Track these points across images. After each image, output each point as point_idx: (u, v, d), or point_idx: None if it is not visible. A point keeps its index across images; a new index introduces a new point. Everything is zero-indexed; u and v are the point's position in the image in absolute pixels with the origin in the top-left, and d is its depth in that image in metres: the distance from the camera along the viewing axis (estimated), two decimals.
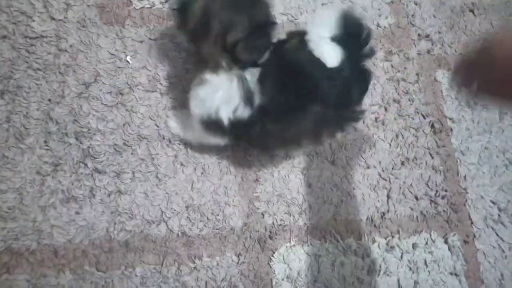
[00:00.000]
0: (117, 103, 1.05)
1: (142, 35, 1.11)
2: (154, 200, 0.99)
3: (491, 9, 1.44)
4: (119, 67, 1.07)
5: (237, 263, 0.99)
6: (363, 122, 1.17)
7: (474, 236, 1.14)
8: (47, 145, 0.98)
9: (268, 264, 1.00)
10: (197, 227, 0.99)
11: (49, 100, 1.02)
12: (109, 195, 0.97)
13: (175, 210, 0.99)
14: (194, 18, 0.80)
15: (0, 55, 1.02)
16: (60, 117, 1.01)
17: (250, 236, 1.01)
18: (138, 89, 1.07)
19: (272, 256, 1.01)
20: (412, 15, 1.35)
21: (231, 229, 1.01)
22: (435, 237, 1.11)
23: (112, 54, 1.08)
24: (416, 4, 1.37)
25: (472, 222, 1.16)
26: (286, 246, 1.02)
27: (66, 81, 1.03)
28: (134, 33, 1.11)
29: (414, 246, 1.08)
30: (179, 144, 1.04)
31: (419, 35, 1.33)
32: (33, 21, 1.06)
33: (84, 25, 1.09)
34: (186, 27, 0.84)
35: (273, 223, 1.03)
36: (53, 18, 1.07)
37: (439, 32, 1.35)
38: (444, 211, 1.14)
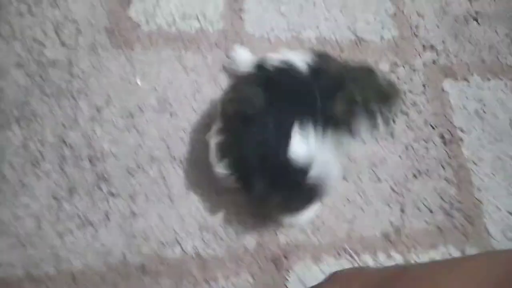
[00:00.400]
0: (129, 126, 1.06)
1: (150, 58, 1.13)
2: (167, 221, 1.00)
3: (495, 17, 1.44)
4: (129, 90, 1.09)
5: (253, 284, 0.99)
6: (371, 136, 1.18)
7: (493, 248, 1.13)
8: (62, 170, 1.00)
9: (284, 284, 1.00)
10: (211, 248, 0.99)
11: (63, 125, 1.03)
12: (124, 218, 0.98)
13: (188, 232, 1.00)
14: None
15: (15, 83, 1.04)
16: (74, 142, 1.02)
17: (265, 256, 1.01)
18: (148, 110, 1.08)
19: (288, 275, 1.00)
20: (416, 26, 1.36)
21: (245, 249, 1.01)
22: (453, 251, 1.10)
23: (123, 77, 1.10)
24: (419, 15, 1.38)
25: (490, 235, 1.14)
26: (301, 265, 1.02)
27: (78, 105, 1.05)
28: (143, 56, 1.13)
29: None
30: (191, 164, 1.05)
31: (423, 46, 1.33)
32: (46, 47, 1.08)
33: (95, 50, 1.11)
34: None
35: (287, 241, 1.03)
36: (64, 44, 1.09)
37: (444, 42, 1.35)
38: (460, 224, 1.13)
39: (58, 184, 0.98)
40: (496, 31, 1.42)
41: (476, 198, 1.18)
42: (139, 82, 1.11)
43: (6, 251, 0.92)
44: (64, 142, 1.02)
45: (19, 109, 1.02)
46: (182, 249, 0.98)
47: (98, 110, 1.06)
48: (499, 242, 1.14)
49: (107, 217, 0.97)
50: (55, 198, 0.97)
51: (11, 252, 0.92)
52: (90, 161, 1.01)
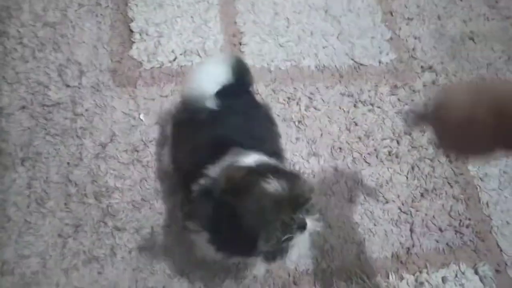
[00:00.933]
0: (133, 160, 1.07)
1: (153, 94, 1.16)
2: (174, 254, 0.99)
3: (490, 35, 1.47)
4: (133, 126, 1.11)
5: None
6: (377, 156, 1.17)
7: (506, 264, 1.10)
8: (67, 208, 1.00)
9: None
10: (219, 279, 0.98)
11: (68, 163, 1.05)
12: (130, 252, 0.98)
13: (195, 263, 0.99)
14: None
15: (19, 125, 1.06)
16: (79, 179, 1.03)
17: (274, 283, 0.99)
18: (152, 144, 1.09)
19: None
20: (413, 49, 1.38)
21: (254, 277, 0.99)
22: (465, 269, 1.07)
23: (126, 114, 1.12)
24: (415, 38, 1.41)
25: (501, 250, 1.11)
26: None
27: (83, 143, 1.07)
28: (146, 92, 1.16)
29: (444, 279, 1.04)
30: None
31: (422, 67, 1.35)
32: (50, 90, 1.11)
33: (98, 89, 1.14)
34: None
35: (295, 268, 1.01)
36: (68, 86, 1.13)
37: (442, 63, 1.37)
38: (470, 240, 1.11)
39: (63, 221, 0.99)
40: (492, 48, 1.44)
41: (484, 214, 1.15)
42: (142, 118, 1.13)
43: None
44: (69, 180, 1.03)
45: (24, 150, 1.04)
46: (189, 281, 0.97)
47: (103, 146, 1.08)
48: (511, 257, 1.11)
49: (113, 252, 0.97)
50: (60, 235, 0.97)
51: None
52: (95, 197, 1.02)
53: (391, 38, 1.39)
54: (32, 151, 1.04)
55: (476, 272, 1.07)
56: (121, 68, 1.18)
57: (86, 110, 1.11)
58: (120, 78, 1.17)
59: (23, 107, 1.08)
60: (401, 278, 1.04)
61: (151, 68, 1.19)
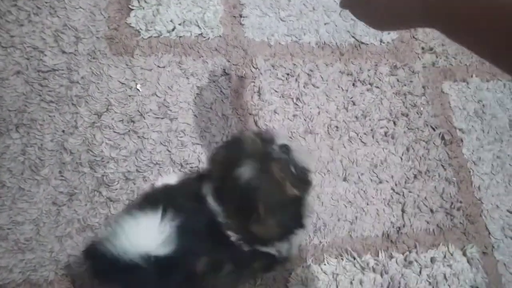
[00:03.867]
0: (129, 131, 1.06)
1: (151, 64, 1.14)
2: None
3: None
4: (129, 96, 1.10)
5: (254, 285, 0.98)
6: (373, 137, 1.18)
7: (493, 247, 1.13)
8: (62, 176, 1.00)
9: (285, 285, 0.99)
10: None
11: (63, 131, 1.04)
12: None
13: None
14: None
15: (14, 90, 1.04)
16: (74, 148, 1.02)
17: None
18: (149, 116, 1.08)
19: (289, 277, 1.00)
20: (415, 29, 1.37)
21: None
22: (453, 250, 1.09)
23: (123, 83, 1.10)
24: None
25: (489, 233, 1.14)
26: (303, 266, 1.01)
27: (78, 112, 1.06)
28: (143, 62, 1.13)
29: (433, 260, 1.07)
30: (191, 168, 1.05)
31: (422, 48, 1.34)
32: (45, 55, 1.09)
33: (95, 57, 1.12)
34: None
35: None
36: (64, 52, 1.10)
37: (443, 45, 1.36)
38: (460, 223, 1.13)
39: (57, 189, 0.99)
40: None
41: (476, 197, 1.17)
42: (139, 88, 1.11)
43: (4, 256, 0.92)
44: (64, 148, 1.02)
45: (18, 116, 1.03)
46: None
47: (98, 115, 1.06)
48: (499, 240, 1.13)
49: (107, 221, 0.97)
50: (54, 203, 0.97)
51: (10, 257, 0.92)
52: (90, 166, 1.02)
53: None
54: (27, 118, 1.03)
55: (464, 254, 1.10)
56: (118, 36, 1.16)
57: (82, 77, 1.09)
58: (117, 46, 1.15)
59: (18, 72, 1.06)
60: (391, 257, 1.06)
61: (149, 37, 1.17)
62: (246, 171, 0.68)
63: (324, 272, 1.01)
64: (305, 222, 0.76)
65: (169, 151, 1.06)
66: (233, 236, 0.71)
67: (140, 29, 1.17)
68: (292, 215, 0.74)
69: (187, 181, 0.92)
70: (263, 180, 0.69)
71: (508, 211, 1.17)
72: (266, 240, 0.73)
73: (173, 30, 1.19)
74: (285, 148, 0.76)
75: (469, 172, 1.20)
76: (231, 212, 0.70)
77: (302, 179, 0.75)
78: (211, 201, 0.72)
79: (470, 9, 0.39)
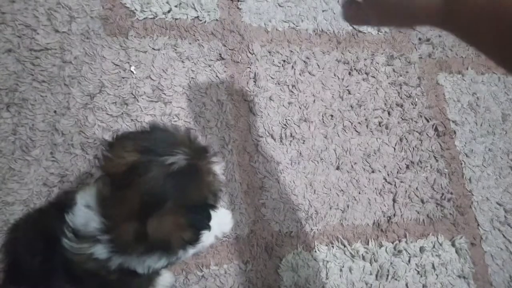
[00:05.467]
0: (122, 113, 1.05)
1: (145, 46, 1.12)
2: None
3: None
4: (123, 78, 1.08)
5: (245, 271, 0.99)
6: (367, 126, 1.18)
7: (481, 238, 1.14)
8: (53, 157, 0.99)
9: (276, 271, 1.00)
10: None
11: (55, 111, 1.02)
12: None
13: None
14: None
15: (5, 69, 1.02)
16: (66, 129, 1.01)
17: (257, 244, 1.01)
18: (142, 98, 1.07)
19: (280, 263, 1.00)
20: None
21: (238, 236, 1.01)
22: (442, 240, 1.11)
23: (116, 65, 1.09)
24: None
25: (478, 225, 1.16)
26: (294, 253, 1.02)
27: (71, 92, 1.04)
28: (138, 44, 1.12)
29: (422, 249, 1.08)
30: None
31: (419, 39, 1.34)
32: (38, 34, 1.06)
33: (88, 37, 1.09)
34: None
35: (279, 230, 1.03)
36: (57, 31, 1.08)
37: (440, 36, 1.36)
38: (450, 213, 1.14)
39: (48, 170, 0.97)
40: None
41: (466, 189, 1.19)
42: (133, 70, 1.10)
43: None
44: (56, 128, 1.01)
45: (9, 95, 1.01)
46: None
47: (91, 97, 1.05)
48: (487, 232, 1.15)
49: None
50: (45, 184, 0.96)
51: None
52: (82, 148, 1.01)
53: None
54: (18, 97, 1.01)
55: (453, 244, 1.11)
56: (112, 16, 1.13)
57: (75, 58, 1.07)
58: (111, 27, 1.12)
59: (9, 50, 1.04)
60: (380, 245, 1.07)
61: (144, 18, 1.15)
62: (178, 160, 0.61)
63: (315, 259, 1.02)
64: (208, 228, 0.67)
65: None
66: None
67: (135, 9, 1.15)
68: (203, 218, 0.66)
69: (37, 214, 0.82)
70: (189, 174, 0.62)
71: (497, 203, 1.19)
72: (165, 242, 0.61)
73: (169, 12, 1.16)
74: (208, 151, 0.71)
75: (461, 164, 1.21)
76: (126, 211, 0.59)
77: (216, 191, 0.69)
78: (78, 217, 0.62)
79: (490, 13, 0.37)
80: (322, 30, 1.26)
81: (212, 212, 0.68)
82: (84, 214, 0.63)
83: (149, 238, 0.58)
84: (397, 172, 1.16)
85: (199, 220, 0.64)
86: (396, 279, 1.05)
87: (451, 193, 1.16)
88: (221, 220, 0.96)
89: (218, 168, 0.71)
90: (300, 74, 1.19)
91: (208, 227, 0.66)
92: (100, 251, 0.61)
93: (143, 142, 0.63)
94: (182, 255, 0.71)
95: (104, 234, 0.61)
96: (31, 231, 0.71)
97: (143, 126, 0.87)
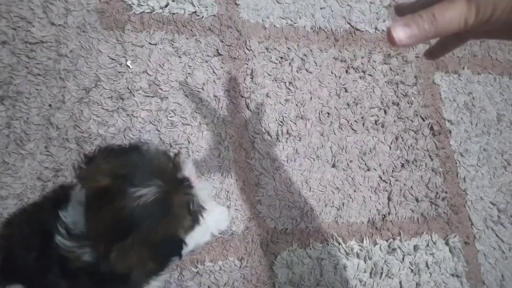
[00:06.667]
0: (118, 108, 1.04)
1: (142, 40, 1.11)
2: None
3: None
4: (119, 72, 1.07)
5: (240, 267, 0.99)
6: (363, 124, 1.18)
7: (475, 237, 1.15)
8: (47, 151, 0.98)
9: (271, 268, 1.00)
10: None
11: (50, 105, 1.01)
12: None
13: None
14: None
15: (0, 61, 1.01)
16: (60, 123, 1.00)
17: (252, 240, 1.01)
18: (138, 93, 1.06)
19: (275, 260, 1.01)
20: None
21: (233, 233, 1.01)
22: (436, 239, 1.12)
23: (113, 59, 1.08)
24: None
25: (472, 224, 1.17)
26: (289, 250, 1.02)
27: (66, 86, 1.03)
28: (134, 38, 1.11)
29: (416, 248, 1.09)
30: (180, 148, 1.04)
31: None
32: (33, 26, 1.05)
33: (84, 30, 1.08)
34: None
35: (275, 226, 1.04)
36: (53, 24, 1.07)
37: None
38: (444, 212, 1.15)
39: (43, 164, 0.97)
40: None
41: (461, 188, 1.19)
42: (129, 65, 1.09)
43: None
44: (50, 122, 1.00)
45: (4, 88, 1.00)
46: None
47: (87, 91, 1.04)
48: (481, 231, 1.16)
49: None
50: (39, 178, 0.96)
51: None
52: (77, 142, 1.00)
53: (389, 5, 1.36)
54: (13, 90, 1.00)
55: (447, 243, 1.12)
56: (109, 10, 1.12)
57: (71, 51, 1.06)
58: (108, 21, 1.11)
59: (4, 42, 1.02)
60: (375, 243, 1.08)
61: (141, 13, 1.14)
62: (149, 193, 0.58)
63: (309, 256, 1.03)
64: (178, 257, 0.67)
65: (158, 130, 1.05)
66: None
67: (132, 3, 1.14)
68: (170, 251, 0.65)
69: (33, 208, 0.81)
70: (159, 208, 0.59)
71: (491, 203, 1.20)
72: (126, 274, 0.60)
73: (166, 6, 1.16)
74: (189, 183, 0.66)
75: (456, 163, 1.22)
76: (98, 229, 0.59)
77: (194, 218, 0.67)
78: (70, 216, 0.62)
79: None
80: (319, 27, 1.26)
81: (207, 209, 0.67)
82: (77, 212, 0.62)
83: (112, 267, 0.58)
84: (392, 170, 1.16)
85: (164, 254, 0.63)
86: (390, 277, 1.06)
87: (446, 192, 1.17)
88: (218, 217, 0.96)
89: (204, 193, 0.68)
90: (297, 71, 1.19)
91: (178, 256, 0.65)
92: (87, 254, 0.61)
93: (118, 168, 0.60)
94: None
95: (86, 240, 0.60)
96: (26, 226, 0.70)
97: (126, 144, 0.81)
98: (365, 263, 1.05)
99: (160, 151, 0.67)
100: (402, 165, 1.17)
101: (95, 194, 0.59)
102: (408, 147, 1.19)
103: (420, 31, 0.35)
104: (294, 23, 1.24)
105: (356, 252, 1.05)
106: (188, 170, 0.68)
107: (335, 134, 1.16)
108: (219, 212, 0.98)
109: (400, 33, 0.36)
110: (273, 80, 1.16)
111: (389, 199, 1.13)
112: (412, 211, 1.13)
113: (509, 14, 0.33)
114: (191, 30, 1.15)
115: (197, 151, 1.05)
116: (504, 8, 0.33)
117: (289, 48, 1.20)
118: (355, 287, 1.03)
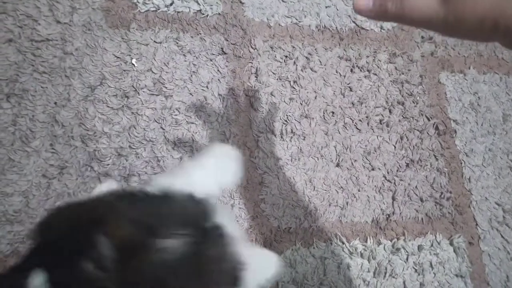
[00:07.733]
0: (122, 106, 1.05)
1: (147, 38, 1.11)
2: None
3: None
4: (124, 70, 1.08)
5: None
6: (368, 124, 1.18)
7: (479, 238, 1.15)
8: (53, 148, 0.99)
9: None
10: None
11: (55, 103, 1.02)
12: None
13: None
14: None
15: (6, 59, 1.02)
16: (66, 120, 1.01)
17: (255, 239, 1.01)
18: (143, 92, 1.07)
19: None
20: None
21: None
22: (440, 239, 1.11)
23: (118, 57, 1.08)
24: None
25: (477, 224, 1.16)
26: (292, 249, 1.02)
27: (72, 84, 1.04)
28: (140, 36, 1.11)
29: (420, 248, 1.09)
30: (185, 147, 1.05)
31: (422, 37, 1.33)
32: (39, 24, 1.06)
33: (90, 28, 1.09)
34: None
35: (278, 225, 1.04)
36: (58, 22, 1.07)
37: None
38: (449, 213, 1.14)
39: (48, 162, 0.97)
40: None
41: (466, 188, 1.19)
42: (134, 63, 1.09)
43: None
44: (56, 120, 1.00)
45: (10, 86, 1.00)
46: None
47: (92, 89, 1.04)
48: (485, 231, 1.16)
49: None
50: (44, 176, 0.96)
51: None
52: (82, 140, 1.00)
53: None
54: (19, 88, 1.00)
55: (451, 243, 1.11)
56: (114, 8, 1.13)
57: (76, 49, 1.06)
58: (113, 19, 1.12)
59: (10, 40, 1.03)
60: (379, 243, 1.08)
61: (146, 11, 1.14)
62: (177, 245, 0.46)
63: (313, 256, 1.03)
64: None
65: (163, 128, 1.05)
66: None
67: (137, 2, 1.14)
68: None
69: None
70: (190, 264, 0.47)
71: (496, 203, 1.19)
72: None
73: (171, 4, 1.16)
74: (220, 231, 0.53)
75: (461, 163, 1.21)
76: None
77: (233, 278, 0.53)
78: None
79: None
80: (325, 26, 1.26)
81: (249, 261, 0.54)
82: None
83: None
84: (397, 170, 1.16)
85: None
86: (393, 277, 1.05)
87: (450, 192, 1.17)
88: (261, 265, 0.75)
89: (240, 247, 0.55)
90: (302, 70, 1.19)
91: None
92: None
93: (142, 215, 0.48)
94: None
95: None
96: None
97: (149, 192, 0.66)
98: (368, 262, 1.05)
99: (185, 195, 0.54)
100: (407, 165, 1.17)
101: (117, 245, 0.44)
102: (413, 146, 1.19)
103: (381, 8, 0.35)
104: (299, 21, 1.24)
105: (360, 251, 1.05)
106: (219, 214, 0.55)
107: (339, 133, 1.15)
108: (263, 258, 0.80)
109: (361, 1, 0.35)
110: (277, 79, 1.16)
111: (393, 198, 1.13)
112: (417, 211, 1.13)
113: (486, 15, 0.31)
114: (196, 29, 1.15)
115: (201, 150, 1.05)
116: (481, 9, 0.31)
117: (293, 47, 1.20)
118: (358, 286, 1.03)
